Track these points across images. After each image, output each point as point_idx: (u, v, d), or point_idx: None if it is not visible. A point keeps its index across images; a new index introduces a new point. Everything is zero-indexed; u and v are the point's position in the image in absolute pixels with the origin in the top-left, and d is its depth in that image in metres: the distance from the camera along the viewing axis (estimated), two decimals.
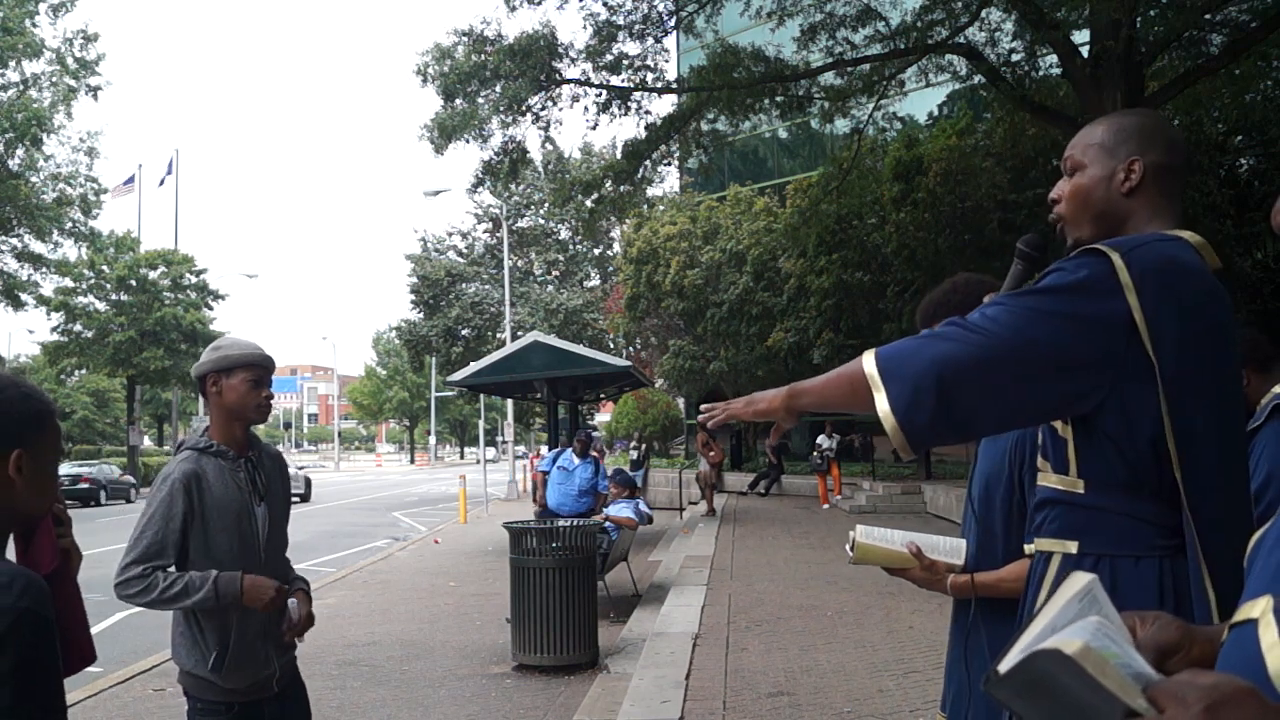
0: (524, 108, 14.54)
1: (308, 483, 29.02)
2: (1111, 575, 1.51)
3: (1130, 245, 1.52)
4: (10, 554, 1.54)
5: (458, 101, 14.49)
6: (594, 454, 10.54)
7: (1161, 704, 0.71)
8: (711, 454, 17.98)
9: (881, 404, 1.50)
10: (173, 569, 2.61)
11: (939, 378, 1.46)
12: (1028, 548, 1.97)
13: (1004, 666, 0.78)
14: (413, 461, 75.27)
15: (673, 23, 15.05)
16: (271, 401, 2.79)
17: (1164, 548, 1.51)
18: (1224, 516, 1.49)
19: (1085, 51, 11.44)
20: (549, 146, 18.23)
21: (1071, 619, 0.83)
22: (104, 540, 16.46)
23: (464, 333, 34.65)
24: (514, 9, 14.24)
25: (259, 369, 2.73)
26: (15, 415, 1.47)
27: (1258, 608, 0.82)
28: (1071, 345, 1.47)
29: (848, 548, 2.22)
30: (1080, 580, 0.88)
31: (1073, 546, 1.58)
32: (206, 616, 2.63)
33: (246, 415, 2.73)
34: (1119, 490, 1.53)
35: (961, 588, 2.15)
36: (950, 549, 2.18)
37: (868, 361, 1.54)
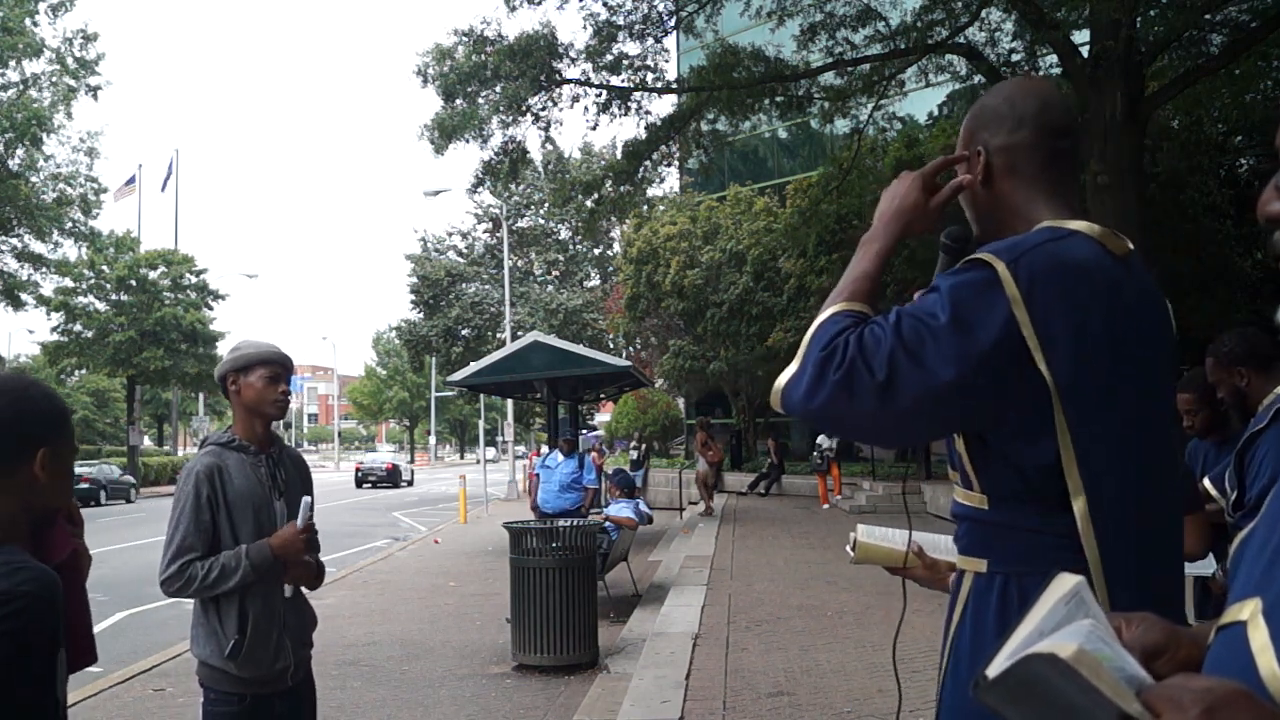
0: (524, 108, 14.54)
1: (412, 473, 40.21)
2: (1020, 595, 1.43)
3: (1019, 250, 1.40)
4: None
5: (458, 102, 14.49)
6: (594, 455, 10.58)
7: (1157, 708, 0.71)
8: (710, 454, 17.97)
9: (781, 377, 1.47)
10: (209, 558, 2.71)
11: (832, 396, 1.40)
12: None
13: (993, 671, 0.77)
14: (412, 461, 75.19)
15: (673, 23, 15.04)
16: (288, 397, 2.87)
17: (1073, 563, 1.39)
18: (1138, 530, 1.41)
19: (1085, 51, 11.44)
20: (549, 146, 18.13)
21: (1059, 622, 0.82)
22: (104, 540, 16.46)
23: (464, 333, 34.65)
24: (514, 9, 14.23)
25: (274, 365, 2.82)
26: (40, 416, 1.53)
27: (1246, 610, 0.82)
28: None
29: (849, 548, 2.22)
30: (1067, 583, 0.87)
31: (982, 565, 1.51)
32: (225, 604, 2.71)
33: (263, 411, 2.82)
34: (1022, 505, 1.45)
35: None
36: (951, 548, 2.18)
37: (817, 321, 1.48)
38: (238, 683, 2.70)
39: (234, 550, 2.68)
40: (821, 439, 18.80)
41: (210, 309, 36.36)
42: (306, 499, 2.75)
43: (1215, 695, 0.70)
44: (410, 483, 38.31)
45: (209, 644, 2.71)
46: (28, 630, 1.33)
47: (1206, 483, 3.21)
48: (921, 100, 19.25)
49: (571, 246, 37.81)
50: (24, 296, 30.10)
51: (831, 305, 1.49)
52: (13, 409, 1.49)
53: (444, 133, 14.45)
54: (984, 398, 1.39)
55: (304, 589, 2.91)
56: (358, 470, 37.83)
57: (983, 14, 13.22)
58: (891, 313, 1.42)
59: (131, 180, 37.58)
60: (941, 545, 2.17)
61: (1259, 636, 0.79)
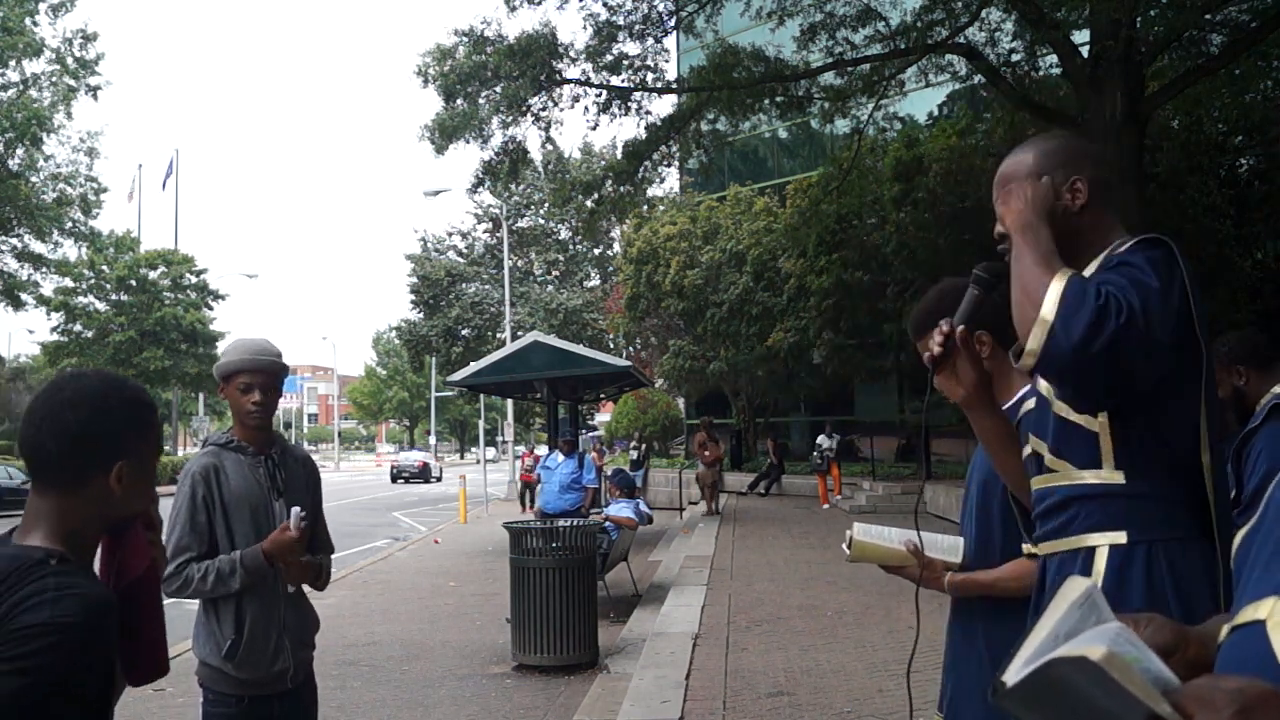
0: (524, 108, 14.53)
1: (440, 469, 42.63)
2: (1167, 560, 1.55)
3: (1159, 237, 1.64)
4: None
5: (458, 102, 14.48)
6: (594, 455, 10.59)
7: (1189, 709, 0.71)
8: (706, 453, 17.86)
9: (1034, 338, 1.54)
10: (205, 560, 2.69)
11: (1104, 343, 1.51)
12: (1027, 549, 1.97)
13: (1013, 677, 0.77)
14: None
15: (673, 23, 15.03)
16: (263, 408, 2.79)
17: (1204, 529, 1.57)
18: (1223, 502, 1.58)
19: (1085, 51, 11.43)
20: (549, 147, 18.12)
21: (1074, 625, 0.82)
22: None
23: (464, 333, 34.64)
24: (514, 9, 14.22)
25: (248, 374, 2.77)
26: (120, 426, 1.44)
27: (1264, 609, 0.81)
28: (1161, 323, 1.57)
29: (845, 546, 2.22)
30: (1078, 586, 0.87)
31: (1121, 537, 1.60)
32: (223, 606, 2.70)
33: (241, 420, 2.82)
34: (1160, 476, 1.58)
35: (959, 586, 2.15)
36: (948, 547, 2.18)
37: (1059, 287, 1.55)
38: (236, 684, 2.68)
39: (230, 555, 2.67)
40: (821, 439, 18.78)
41: (210, 309, 36.39)
42: (296, 509, 2.70)
43: (1248, 696, 0.70)
44: (439, 478, 41.33)
45: (207, 644, 2.71)
46: (62, 663, 1.24)
47: None
48: (921, 100, 19.26)
49: (571, 246, 37.78)
50: (24, 296, 30.11)
51: (1059, 274, 1.58)
52: (86, 422, 1.40)
53: (444, 133, 14.44)
54: (1173, 355, 1.56)
55: (308, 589, 2.89)
56: (393, 467, 42.46)
57: (983, 14, 13.21)
58: (1107, 274, 1.57)
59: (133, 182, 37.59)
60: (938, 544, 2.17)
61: None
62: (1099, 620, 0.83)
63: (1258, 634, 0.80)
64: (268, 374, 2.80)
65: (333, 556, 3.06)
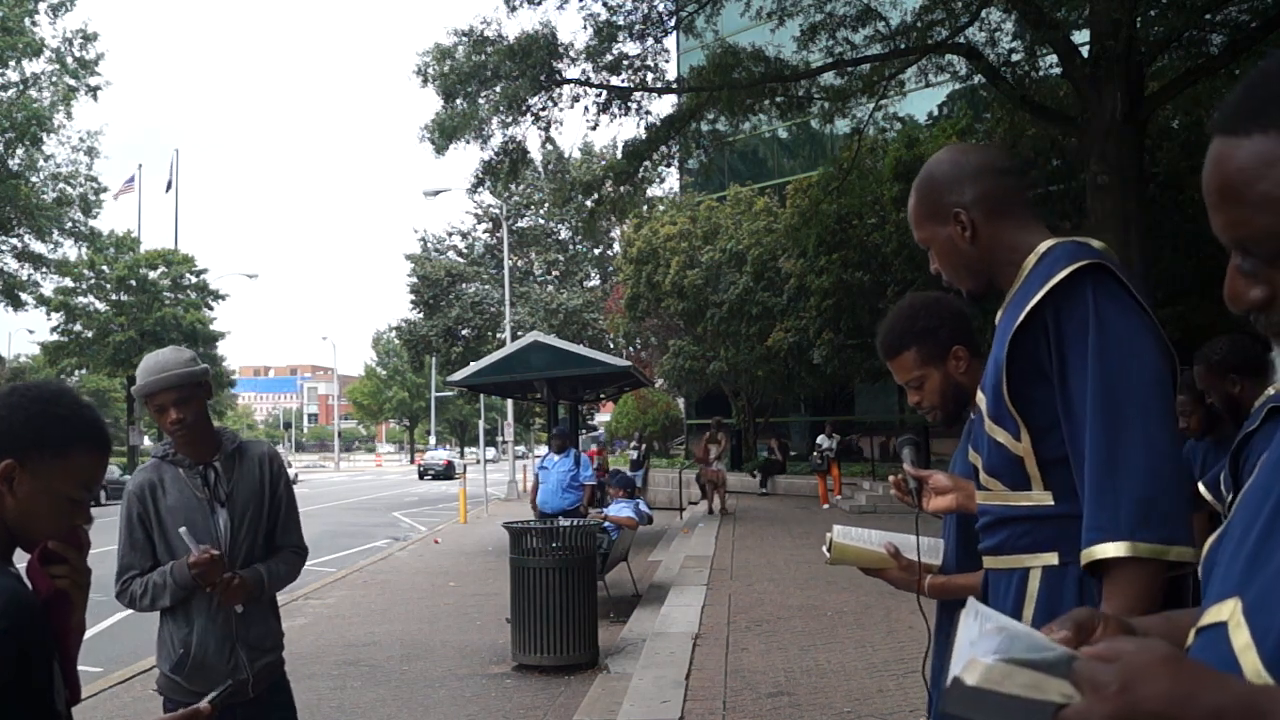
0: (524, 108, 14.53)
1: (465, 467, 44.55)
2: (1097, 580, 1.52)
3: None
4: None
5: (458, 102, 14.48)
6: (592, 454, 10.60)
7: (1081, 689, 0.72)
8: (698, 451, 17.69)
9: None
10: (147, 575, 2.73)
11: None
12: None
13: (965, 676, 0.78)
14: (412, 461, 75.31)
15: (673, 23, 15.03)
16: (175, 424, 2.69)
17: None
18: None
19: (1085, 51, 11.43)
20: (549, 146, 18.11)
21: (975, 635, 0.82)
22: (101, 541, 16.40)
23: (464, 333, 34.62)
24: (514, 9, 14.23)
25: (158, 394, 2.69)
26: (20, 427, 1.40)
27: (1225, 610, 0.80)
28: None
29: (824, 548, 2.21)
30: (968, 604, 0.88)
31: (1053, 558, 1.59)
32: (172, 619, 2.73)
33: (170, 437, 2.78)
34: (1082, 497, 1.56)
35: (940, 589, 2.15)
36: (929, 549, 2.18)
37: None
38: (191, 695, 2.62)
39: (163, 568, 2.70)
40: (821, 439, 18.78)
41: (210, 309, 36.40)
42: (183, 529, 2.61)
43: (1131, 668, 0.71)
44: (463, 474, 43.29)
45: (161, 655, 2.78)
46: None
47: (1200, 486, 3.20)
48: (921, 100, 19.23)
49: (571, 246, 37.78)
50: (24, 296, 30.10)
51: None
52: None
53: (444, 133, 14.45)
54: None
55: (274, 597, 2.90)
56: (419, 464, 47.57)
57: (983, 14, 13.21)
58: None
59: (131, 180, 37.56)
60: (920, 546, 2.17)
61: (1241, 636, 0.77)
62: (989, 622, 0.83)
63: (1220, 636, 0.80)
64: (178, 389, 2.68)
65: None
